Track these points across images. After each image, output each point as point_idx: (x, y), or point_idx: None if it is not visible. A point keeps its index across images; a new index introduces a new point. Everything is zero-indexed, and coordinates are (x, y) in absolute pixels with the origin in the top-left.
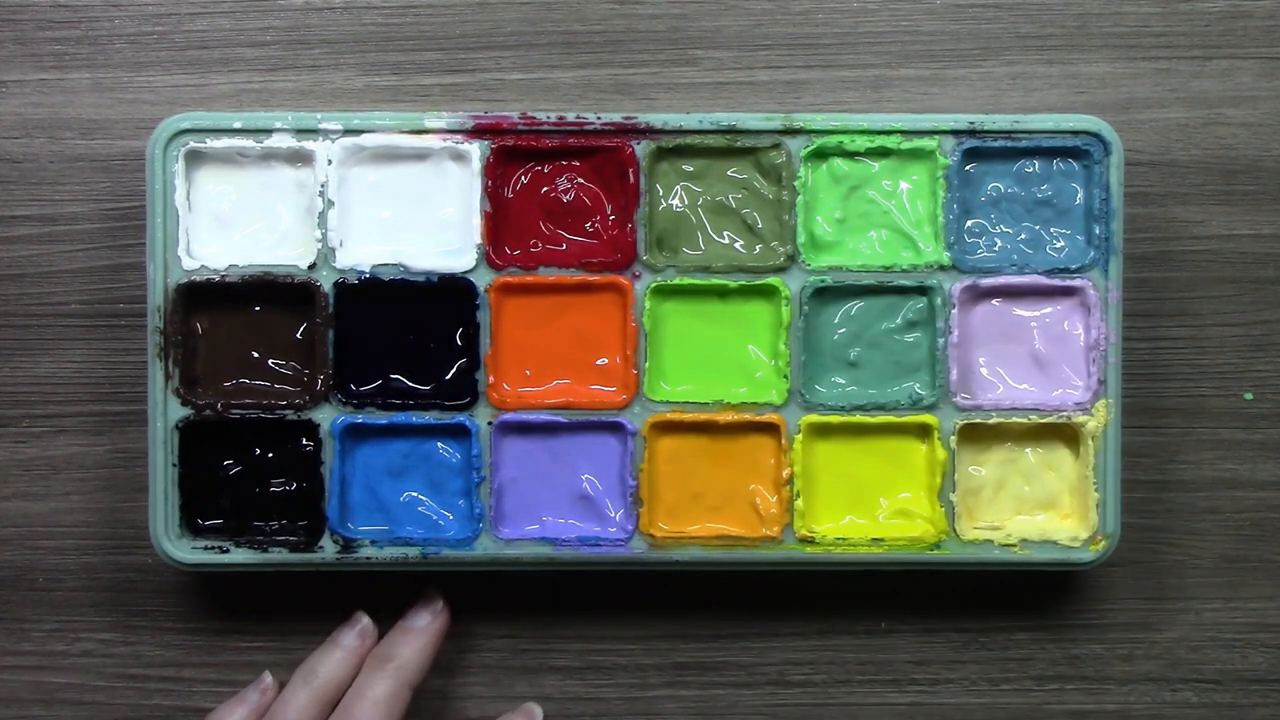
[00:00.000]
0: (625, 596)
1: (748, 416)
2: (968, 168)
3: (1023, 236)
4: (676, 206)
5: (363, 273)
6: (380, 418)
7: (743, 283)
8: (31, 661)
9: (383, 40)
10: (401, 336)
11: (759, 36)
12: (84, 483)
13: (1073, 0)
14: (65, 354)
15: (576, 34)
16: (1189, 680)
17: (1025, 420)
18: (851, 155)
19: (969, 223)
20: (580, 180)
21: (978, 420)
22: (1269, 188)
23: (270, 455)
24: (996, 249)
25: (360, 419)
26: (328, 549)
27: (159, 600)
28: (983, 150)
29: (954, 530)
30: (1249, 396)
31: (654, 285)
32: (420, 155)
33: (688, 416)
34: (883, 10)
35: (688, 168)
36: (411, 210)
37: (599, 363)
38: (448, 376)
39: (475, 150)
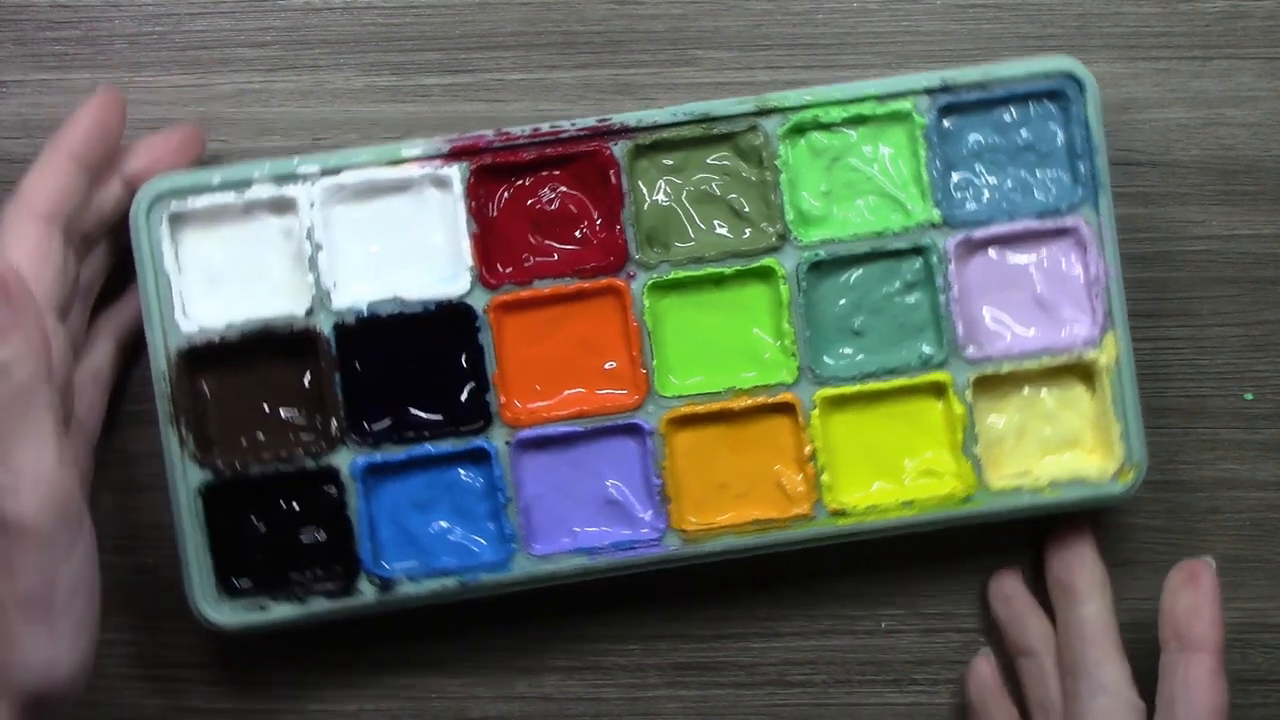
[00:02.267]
0: (625, 596)
1: (762, 399)
2: (945, 124)
3: (1009, 184)
4: (662, 201)
5: (360, 311)
6: (398, 453)
7: (738, 268)
8: None
9: (383, 40)
10: (408, 369)
11: (759, 36)
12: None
13: (1073, 0)
14: None
15: (576, 34)
16: None
17: (1037, 364)
18: (828, 127)
19: (954, 178)
20: (563, 189)
21: (990, 371)
22: (1269, 188)
23: (295, 506)
24: (985, 200)
25: (379, 457)
26: (366, 591)
27: (159, 600)
28: (958, 105)
29: (982, 482)
30: (1249, 396)
31: (650, 282)
32: (401, 186)
33: (702, 408)
34: (883, 10)
35: (668, 161)
36: (400, 242)
37: (607, 367)
38: (459, 402)
39: (455, 174)
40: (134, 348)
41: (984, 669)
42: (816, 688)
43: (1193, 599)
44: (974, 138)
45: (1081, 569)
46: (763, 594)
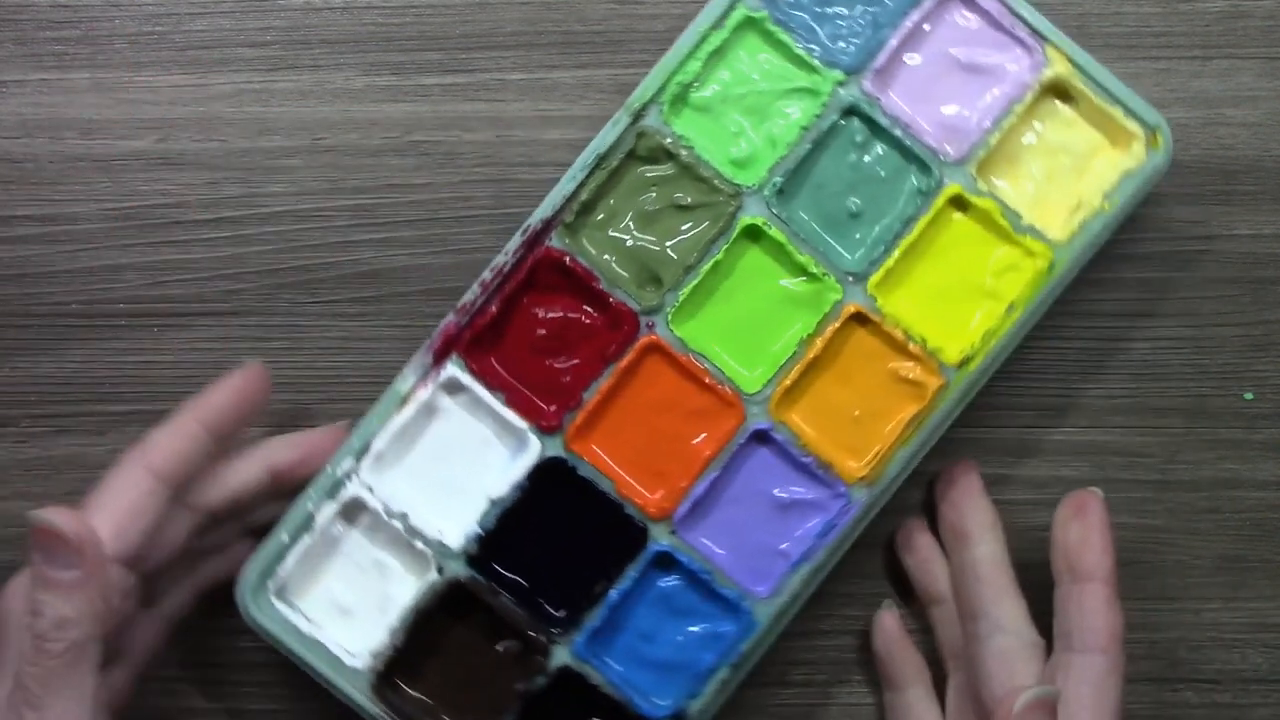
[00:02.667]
0: None
1: (831, 328)
2: (779, 1)
3: (861, 7)
4: (626, 245)
5: (477, 534)
6: (600, 614)
7: (724, 248)
8: None
9: (383, 40)
10: (548, 546)
11: None
12: (84, 483)
13: (1072, 0)
14: (65, 354)
15: (576, 34)
16: (1189, 680)
17: (1013, 117)
18: (694, 86)
19: (823, 34)
20: (541, 309)
21: (982, 155)
22: (1269, 188)
23: (554, 706)
24: (859, 32)
25: (591, 627)
26: None
27: None
28: None
29: (1051, 241)
30: (1249, 396)
31: (670, 317)
32: (425, 413)
33: (791, 377)
34: None
35: (600, 216)
36: (460, 454)
37: (694, 408)
38: (611, 535)
39: (453, 370)
40: (223, 596)
41: (888, 622)
42: (816, 688)
43: (1081, 530)
44: None
45: (972, 511)
46: None
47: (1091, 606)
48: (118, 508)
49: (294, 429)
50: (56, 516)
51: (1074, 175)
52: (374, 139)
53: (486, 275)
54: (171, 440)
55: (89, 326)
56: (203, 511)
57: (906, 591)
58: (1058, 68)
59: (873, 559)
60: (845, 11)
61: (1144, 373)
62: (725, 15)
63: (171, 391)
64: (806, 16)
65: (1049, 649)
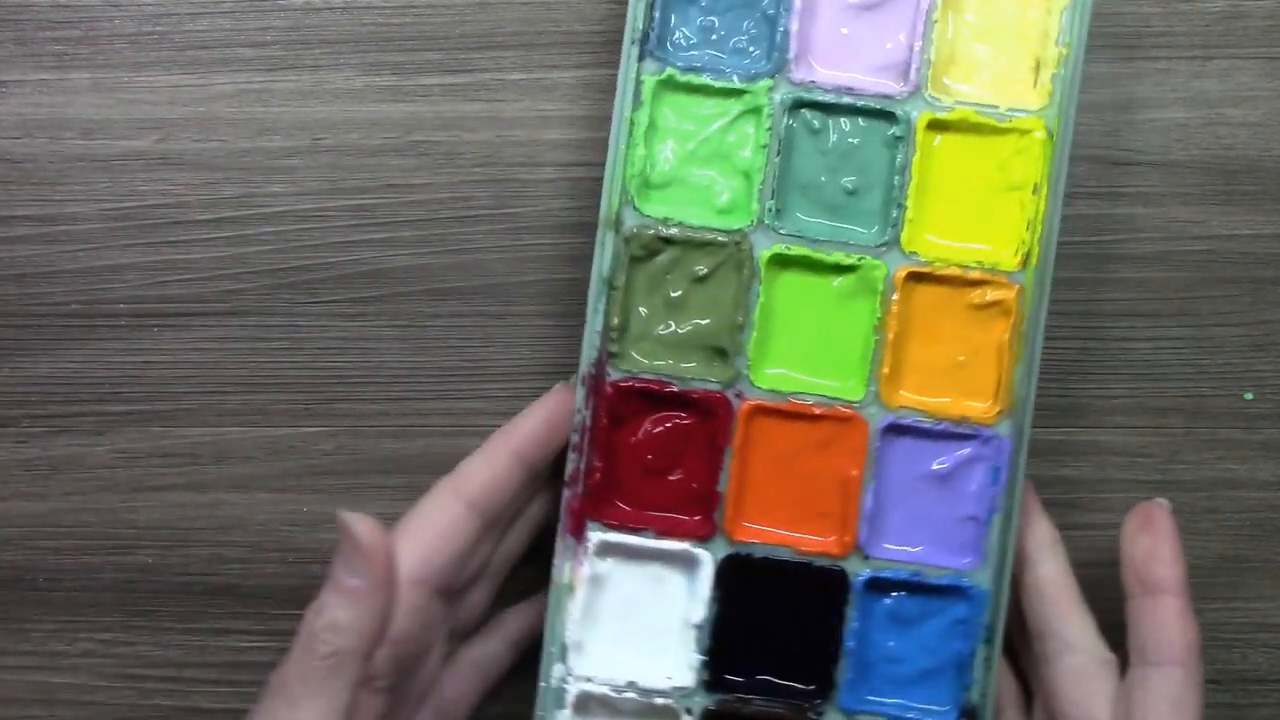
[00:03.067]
0: None
1: (893, 300)
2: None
3: (749, 10)
4: (677, 335)
5: (701, 661)
6: (846, 667)
7: (761, 289)
8: (31, 661)
9: (383, 40)
10: (767, 635)
11: None
12: (84, 483)
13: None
14: (65, 354)
15: (576, 34)
16: None
17: (935, 22)
18: (648, 170)
19: (725, 58)
20: (636, 439)
21: (928, 72)
22: (1269, 188)
23: None
24: (757, 37)
25: (844, 681)
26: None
27: (159, 600)
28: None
29: (1036, 111)
30: (1249, 396)
31: (752, 377)
32: (595, 585)
33: (886, 364)
34: None
35: (637, 328)
36: (644, 605)
37: (822, 440)
38: (817, 595)
39: (596, 536)
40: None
41: None
42: None
43: (1150, 542)
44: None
45: (1031, 532)
46: None
47: (1165, 619)
48: (427, 532)
49: (293, 429)
50: (358, 523)
51: (1018, 40)
52: (374, 139)
53: (574, 438)
54: (482, 468)
55: (89, 326)
56: (500, 528)
57: None
58: None
59: None
60: (733, 25)
61: (1144, 373)
62: (637, 93)
63: (171, 391)
64: (703, 51)
65: (1121, 665)
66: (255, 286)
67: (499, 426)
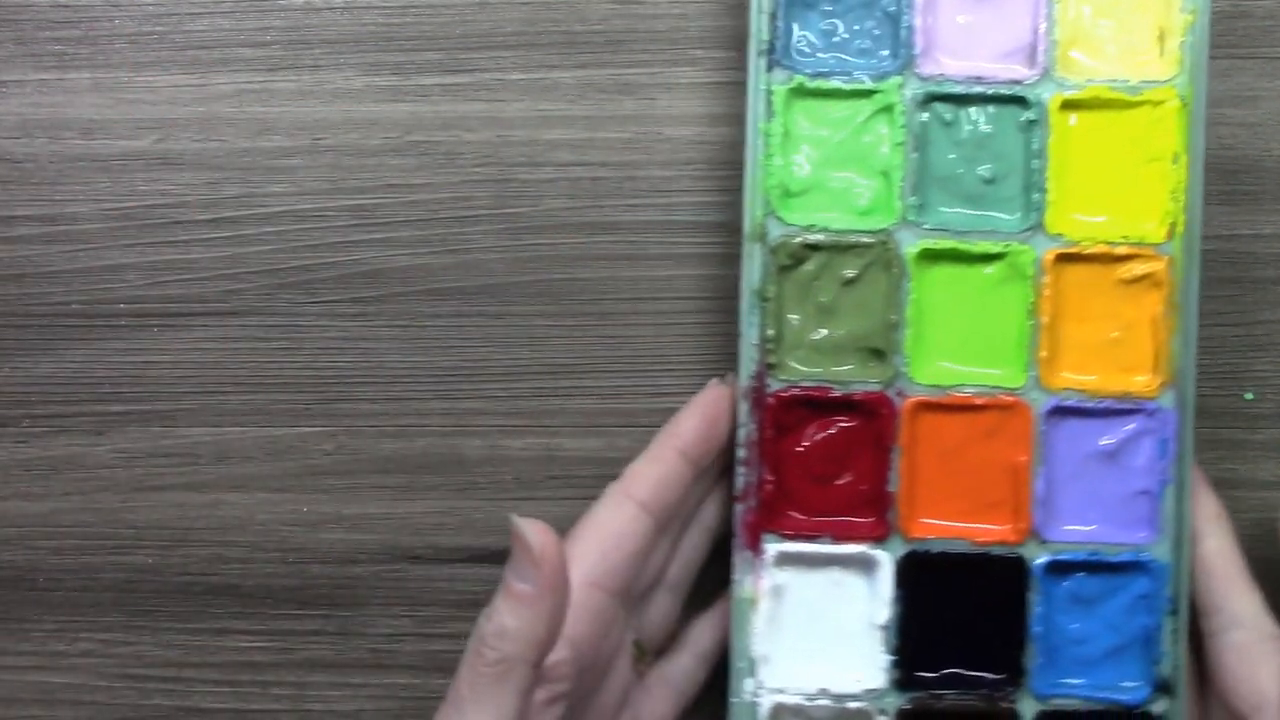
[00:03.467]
0: None
1: (1045, 284)
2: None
3: (868, 9)
4: (832, 340)
5: (890, 661)
6: (1034, 653)
7: (912, 286)
8: (31, 661)
9: (383, 40)
10: (952, 629)
11: None
12: (84, 483)
13: None
14: (65, 354)
15: (576, 34)
16: None
17: (1057, 2)
18: (788, 179)
19: (851, 59)
20: (802, 447)
21: (1055, 53)
22: (1269, 188)
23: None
24: (881, 35)
25: (1033, 667)
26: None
27: (159, 600)
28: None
29: (1168, 80)
30: (1249, 396)
31: (911, 374)
32: (777, 596)
33: (1043, 347)
34: None
35: (791, 337)
36: (826, 611)
37: (987, 430)
38: (997, 585)
39: (773, 548)
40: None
41: None
42: None
43: None
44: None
45: (1196, 506)
46: None
47: None
48: (600, 534)
49: (293, 429)
50: (528, 527)
51: (1139, 11)
52: (374, 139)
53: (741, 453)
54: (650, 469)
55: (89, 326)
56: (659, 522)
57: None
58: None
59: None
60: (855, 26)
61: None
62: (769, 104)
63: (171, 391)
64: (828, 55)
65: None
66: (255, 286)
67: (498, 426)
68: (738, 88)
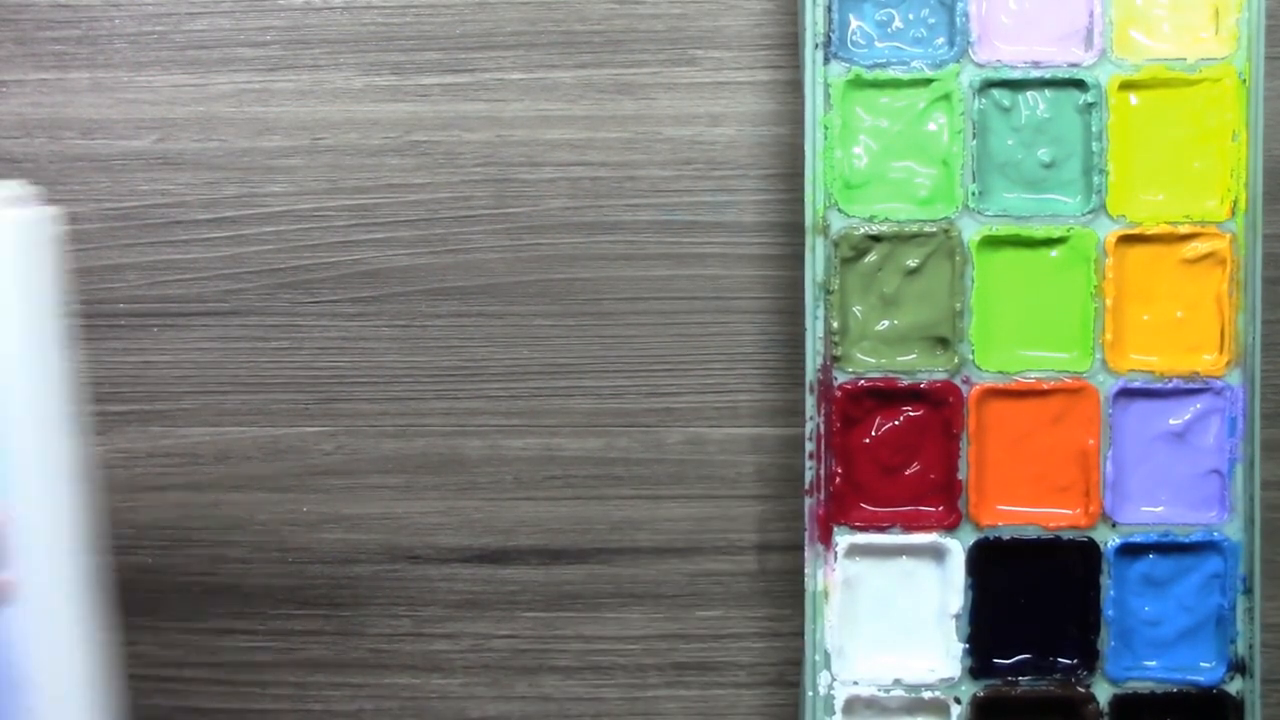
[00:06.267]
0: (625, 595)
1: (1108, 266)
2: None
3: (914, 15)
4: (897, 329)
5: (964, 649)
6: (1108, 636)
7: (975, 273)
8: None
9: (383, 40)
10: (1025, 615)
11: (759, 36)
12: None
13: None
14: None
15: (576, 34)
16: None
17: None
18: (849, 170)
19: (908, 48)
20: (870, 439)
21: (1111, 34)
22: (1269, 188)
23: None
24: (938, 24)
25: (1108, 650)
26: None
27: (159, 600)
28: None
29: (1225, 57)
30: None
31: (977, 361)
32: (848, 588)
33: (1108, 329)
34: None
35: (856, 328)
36: (898, 602)
37: (1055, 415)
38: (1069, 569)
39: (844, 540)
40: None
41: None
42: None
43: None
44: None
45: None
46: (762, 594)
47: None
48: None
49: (293, 429)
50: None
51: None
52: (374, 139)
53: (809, 447)
54: None
55: (89, 326)
56: None
57: None
58: None
59: None
60: (909, 16)
61: None
62: (827, 96)
63: (171, 391)
64: (884, 45)
65: None
66: (255, 286)
67: (498, 426)
68: (736, 87)
